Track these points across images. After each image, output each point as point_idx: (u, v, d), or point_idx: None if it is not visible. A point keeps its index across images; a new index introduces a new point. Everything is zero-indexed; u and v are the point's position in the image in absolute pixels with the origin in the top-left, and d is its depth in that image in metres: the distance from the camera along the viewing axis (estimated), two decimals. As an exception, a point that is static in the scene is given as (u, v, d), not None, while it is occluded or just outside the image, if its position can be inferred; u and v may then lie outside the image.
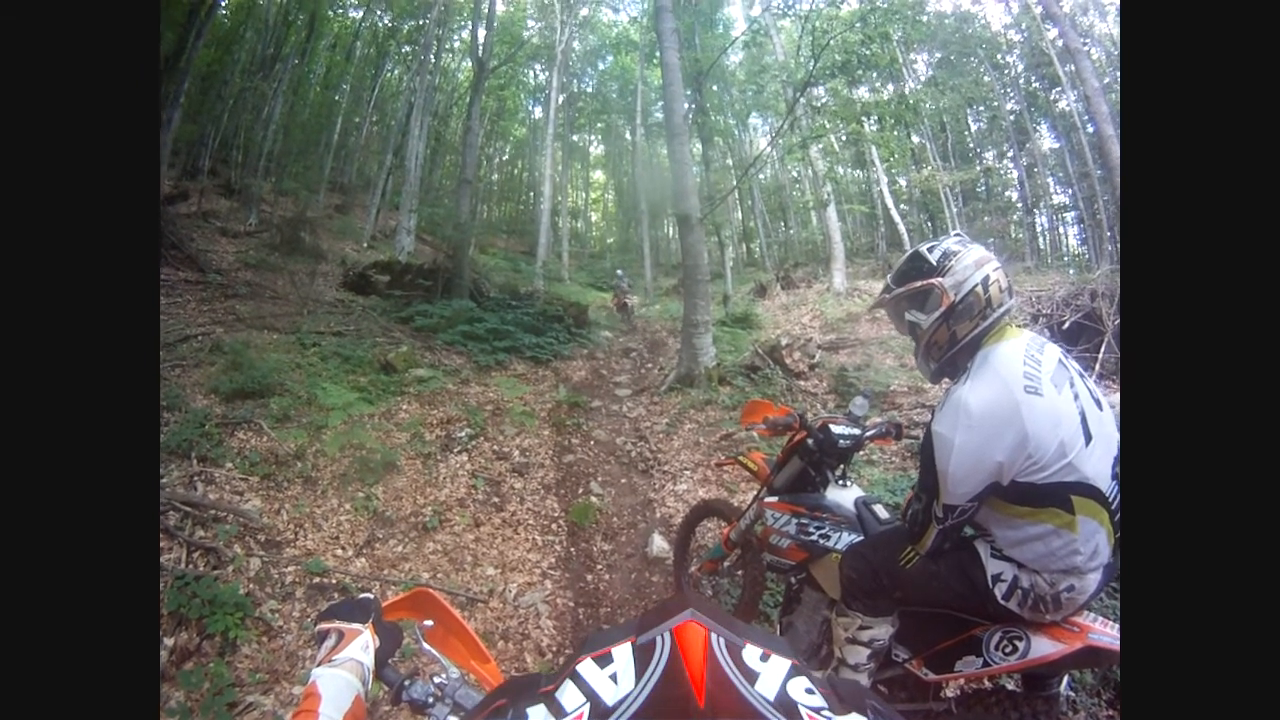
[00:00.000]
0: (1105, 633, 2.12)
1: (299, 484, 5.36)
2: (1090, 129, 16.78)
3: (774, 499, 3.19)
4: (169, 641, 3.84)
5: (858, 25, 9.73)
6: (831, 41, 9.65)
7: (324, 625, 1.18)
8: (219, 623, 3.90)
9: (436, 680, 1.17)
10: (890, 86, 21.41)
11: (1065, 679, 2.50)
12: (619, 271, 17.77)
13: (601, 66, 27.32)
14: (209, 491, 5.06)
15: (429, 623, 1.32)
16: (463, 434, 6.33)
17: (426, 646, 1.28)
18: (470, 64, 18.15)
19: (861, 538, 2.81)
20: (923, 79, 22.66)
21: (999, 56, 23.81)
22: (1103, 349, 7.83)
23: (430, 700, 1.14)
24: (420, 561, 4.76)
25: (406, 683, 1.16)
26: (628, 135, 28.34)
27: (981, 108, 24.69)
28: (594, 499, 5.61)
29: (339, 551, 4.78)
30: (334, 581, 4.45)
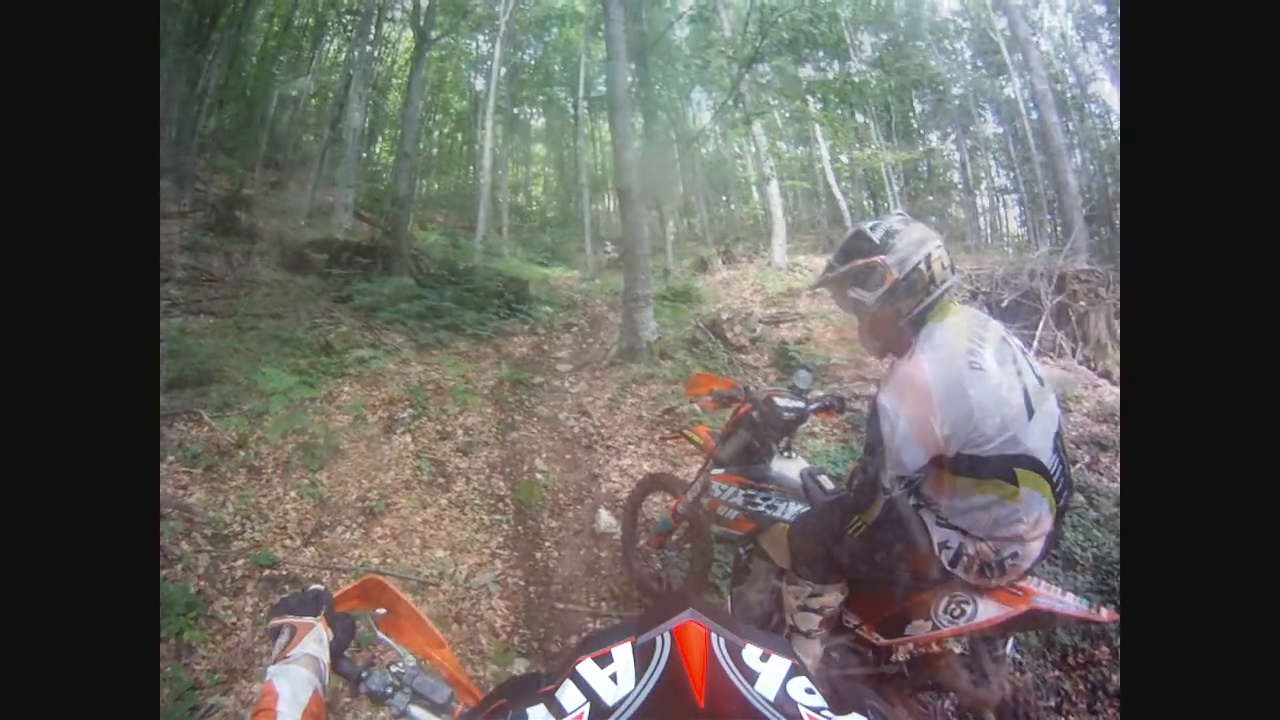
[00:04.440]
0: (1049, 596, 2.26)
1: (243, 474, 5.26)
2: (1034, 115, 17.13)
3: (720, 471, 3.25)
4: None
5: (806, 4, 9.75)
6: (780, 19, 9.65)
7: (276, 621, 1.17)
8: (173, 624, 3.82)
9: (394, 669, 1.17)
10: (836, 64, 21.51)
11: (1011, 641, 2.60)
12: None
13: (546, 39, 26.85)
14: None
15: (381, 611, 1.32)
16: (405, 415, 6.26)
17: (381, 635, 1.29)
18: (411, 34, 17.71)
19: (808, 508, 2.87)
20: (869, 59, 22.80)
21: (946, 42, 24.07)
22: (1040, 326, 8.08)
23: (389, 690, 1.14)
24: (369, 547, 4.72)
25: (364, 674, 1.16)
26: (570, 109, 28.01)
27: (927, 91, 24.98)
28: (539, 476, 5.61)
29: (287, 542, 4.72)
30: (284, 573, 4.40)
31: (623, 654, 0.67)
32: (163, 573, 4.16)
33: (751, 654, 0.67)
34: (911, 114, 26.74)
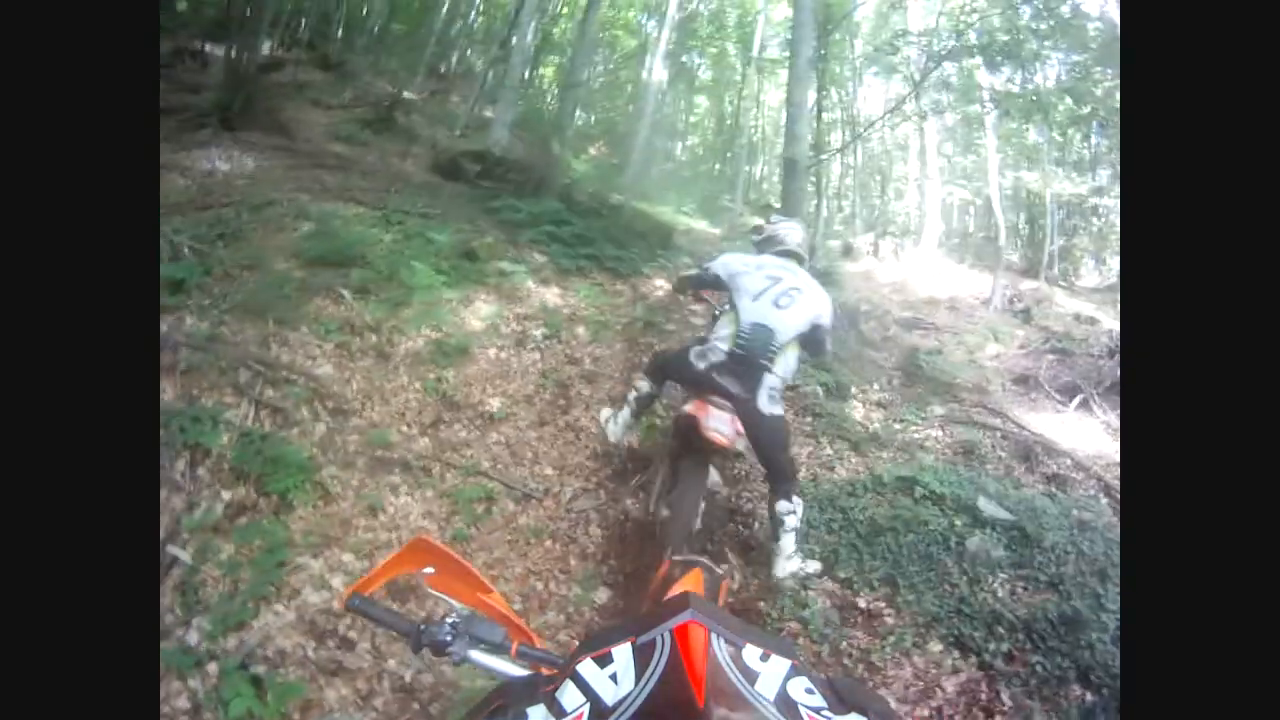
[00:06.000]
0: None
1: (372, 356, 5.43)
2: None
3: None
4: (226, 495, 4.02)
5: (1006, 13, 9.41)
6: (972, 23, 9.34)
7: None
8: (280, 482, 4.04)
9: (449, 620, 1.22)
10: (1019, 76, 20.42)
11: None
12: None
13: (723, -10, 26.27)
14: (282, 353, 5.17)
15: (429, 570, 1.37)
16: (538, 333, 6.36)
17: (433, 592, 1.36)
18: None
19: None
20: (1056, 79, 21.54)
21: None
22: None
23: (449, 638, 1.19)
24: (482, 450, 4.85)
25: (423, 628, 1.21)
26: (738, 66, 27.58)
27: (1108, 123, 23.39)
28: (658, 420, 5.52)
29: (404, 428, 4.88)
30: (396, 456, 4.56)
31: (623, 654, 0.68)
32: (281, 434, 4.41)
33: (751, 654, 0.68)
34: (1087, 145, 25.20)
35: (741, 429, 3.56)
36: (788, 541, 3.67)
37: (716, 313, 4.08)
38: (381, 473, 4.45)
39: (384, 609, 1.30)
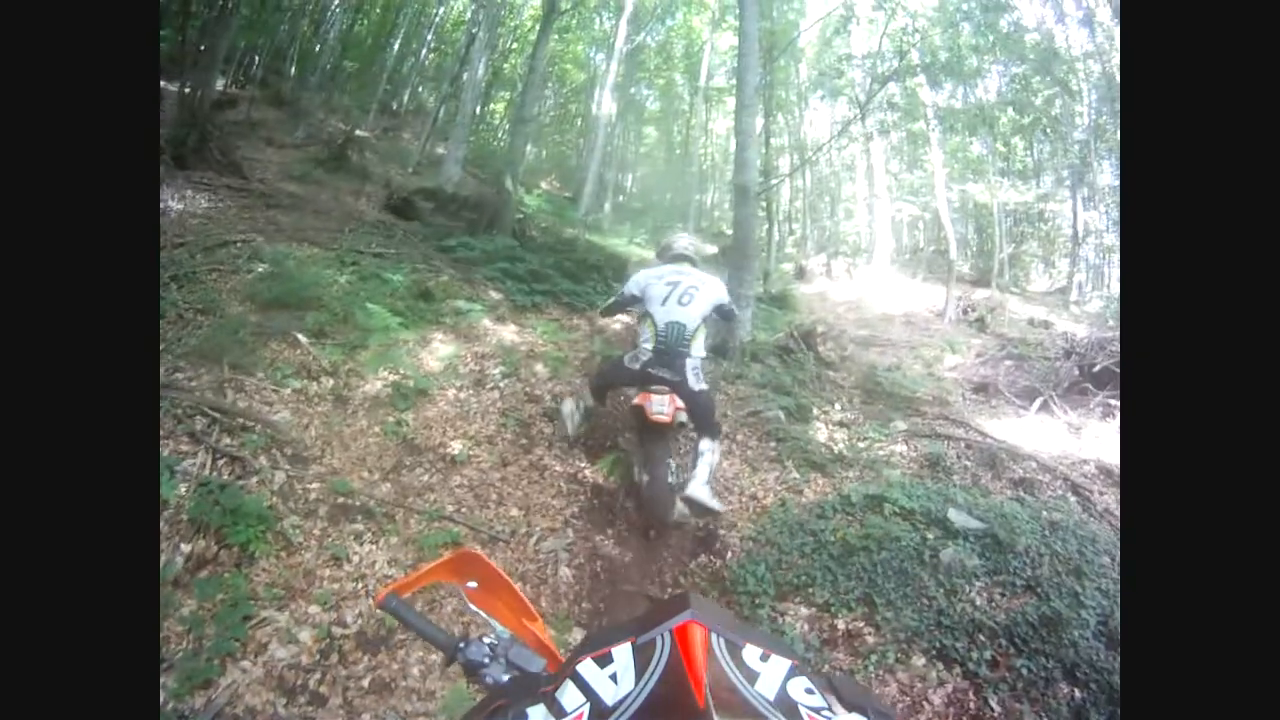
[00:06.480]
0: None
1: (330, 401, 5.31)
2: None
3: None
4: (186, 548, 3.81)
5: (947, 33, 9.65)
6: (915, 43, 9.55)
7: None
8: (240, 534, 3.89)
9: (488, 640, 1.17)
10: (962, 91, 20.96)
11: None
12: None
13: (670, 23, 26.74)
14: (238, 399, 5.00)
15: (473, 584, 1.32)
16: (496, 371, 6.27)
17: (472, 607, 1.29)
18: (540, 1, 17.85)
19: None
20: (997, 91, 22.15)
21: (1074, 83, 23.15)
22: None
23: (485, 660, 1.14)
24: (446, 494, 4.73)
25: (461, 645, 1.15)
26: (686, 96, 28.05)
27: (1049, 131, 24.11)
28: (621, 455, 5.46)
29: (365, 474, 4.74)
30: (358, 504, 4.41)
31: (623, 654, 0.68)
32: (239, 483, 4.23)
33: (751, 654, 0.67)
34: (1030, 154, 25.91)
35: (680, 404, 4.37)
36: (703, 468, 4.34)
37: (636, 322, 5.16)
38: (344, 521, 4.28)
39: (420, 615, 1.25)
